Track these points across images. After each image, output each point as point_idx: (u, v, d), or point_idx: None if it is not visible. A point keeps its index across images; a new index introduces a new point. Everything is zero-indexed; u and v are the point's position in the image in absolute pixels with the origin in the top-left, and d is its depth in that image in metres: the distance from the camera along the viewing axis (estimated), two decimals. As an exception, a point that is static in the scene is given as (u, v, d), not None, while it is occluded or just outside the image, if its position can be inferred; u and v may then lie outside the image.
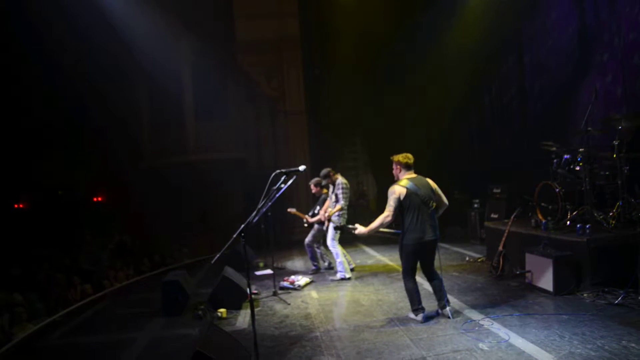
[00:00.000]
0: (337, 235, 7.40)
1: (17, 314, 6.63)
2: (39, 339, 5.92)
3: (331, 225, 7.40)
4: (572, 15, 8.66)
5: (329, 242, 7.44)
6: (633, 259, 4.95)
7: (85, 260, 10.03)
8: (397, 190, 4.98)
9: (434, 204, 5.04)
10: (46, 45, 11.48)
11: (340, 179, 7.41)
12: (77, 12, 10.60)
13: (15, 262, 8.96)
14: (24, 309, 6.83)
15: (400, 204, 4.95)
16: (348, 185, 7.45)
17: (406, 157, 5.17)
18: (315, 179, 7.97)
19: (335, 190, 7.37)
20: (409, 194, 4.94)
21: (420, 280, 5.33)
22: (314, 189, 8.06)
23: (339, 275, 7.37)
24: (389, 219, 4.96)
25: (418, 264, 5.15)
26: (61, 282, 8.37)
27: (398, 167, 5.20)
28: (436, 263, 5.19)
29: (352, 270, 7.62)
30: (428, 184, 5.11)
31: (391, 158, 5.24)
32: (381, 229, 5.11)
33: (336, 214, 7.34)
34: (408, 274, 5.11)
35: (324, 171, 7.53)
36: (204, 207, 13.87)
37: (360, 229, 5.24)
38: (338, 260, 7.37)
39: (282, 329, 5.25)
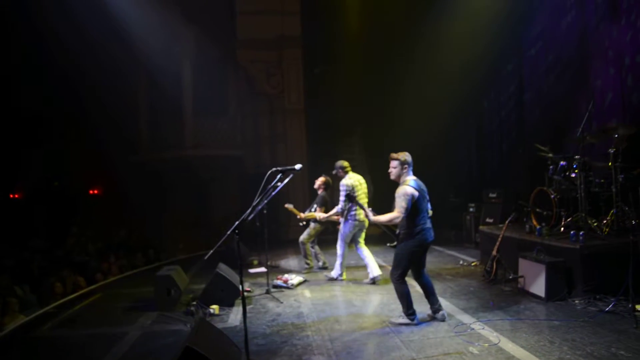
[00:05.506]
0: (349, 237, 7.14)
1: (9, 305, 6.61)
2: (30, 330, 5.90)
3: (343, 224, 7.16)
4: (573, 22, 8.68)
5: (339, 242, 7.22)
6: (625, 266, 4.97)
7: (78, 252, 10.01)
8: (410, 191, 4.76)
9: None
10: (43, 36, 11.44)
11: (343, 180, 7.13)
12: (76, 4, 10.58)
13: (9, 253, 8.94)
14: (16, 300, 6.81)
15: (413, 205, 4.77)
16: (349, 187, 7.04)
17: (409, 156, 4.97)
18: (322, 178, 8.02)
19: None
20: (420, 197, 4.84)
21: (411, 281, 5.32)
22: (318, 185, 8.04)
23: (333, 274, 7.34)
24: (398, 220, 4.80)
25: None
26: (54, 274, 8.35)
27: (405, 166, 4.91)
28: (431, 267, 5.19)
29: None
30: (424, 186, 5.05)
31: (394, 156, 4.95)
32: (386, 224, 5.08)
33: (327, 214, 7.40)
34: (401, 277, 4.97)
35: (339, 163, 7.28)
36: (197, 214, 13.83)
37: (370, 215, 5.03)
38: (339, 262, 7.28)
39: (274, 327, 5.25)
